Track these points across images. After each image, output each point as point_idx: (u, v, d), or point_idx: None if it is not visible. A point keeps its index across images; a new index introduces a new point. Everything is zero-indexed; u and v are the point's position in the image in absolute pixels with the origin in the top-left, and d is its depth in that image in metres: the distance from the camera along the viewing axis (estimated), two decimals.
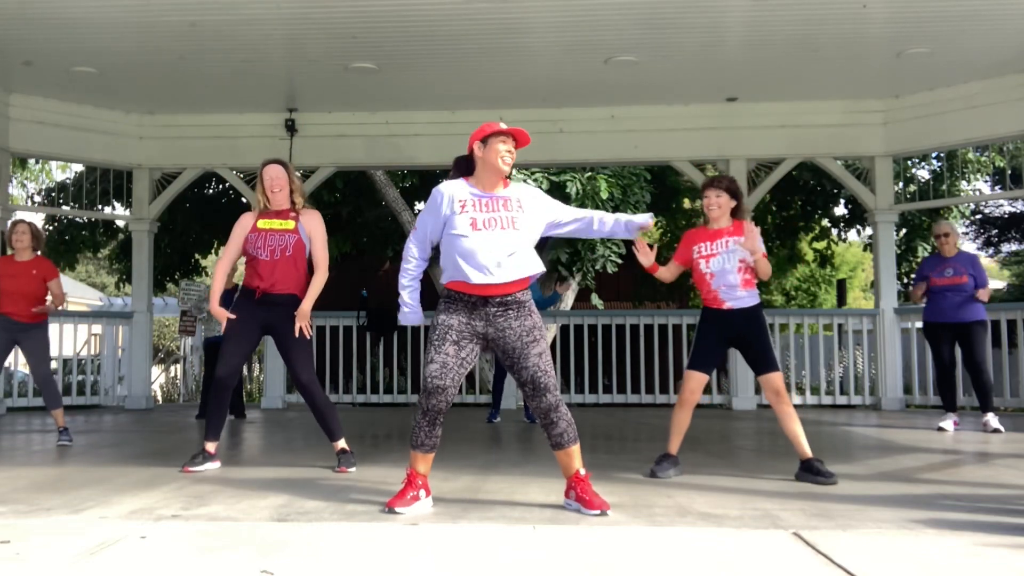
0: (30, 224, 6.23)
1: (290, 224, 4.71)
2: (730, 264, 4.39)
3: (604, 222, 3.80)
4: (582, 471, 3.49)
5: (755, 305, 4.45)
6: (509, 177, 3.68)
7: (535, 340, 3.49)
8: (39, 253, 6.27)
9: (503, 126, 3.57)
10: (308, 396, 4.73)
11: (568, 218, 3.75)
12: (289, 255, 4.67)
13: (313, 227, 4.78)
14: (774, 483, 4.17)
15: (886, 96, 9.03)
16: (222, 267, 4.91)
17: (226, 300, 8.24)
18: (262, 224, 4.72)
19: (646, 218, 3.82)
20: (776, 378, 4.38)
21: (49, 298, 6.19)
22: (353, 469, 4.57)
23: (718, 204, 4.45)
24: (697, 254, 4.47)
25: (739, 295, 4.41)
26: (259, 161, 4.92)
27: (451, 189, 3.57)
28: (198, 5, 6.62)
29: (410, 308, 3.70)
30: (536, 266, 3.56)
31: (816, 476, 4.18)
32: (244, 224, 4.79)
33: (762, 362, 4.41)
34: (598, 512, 3.34)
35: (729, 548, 2.86)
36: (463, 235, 3.46)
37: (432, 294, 12.87)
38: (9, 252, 6.24)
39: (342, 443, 4.73)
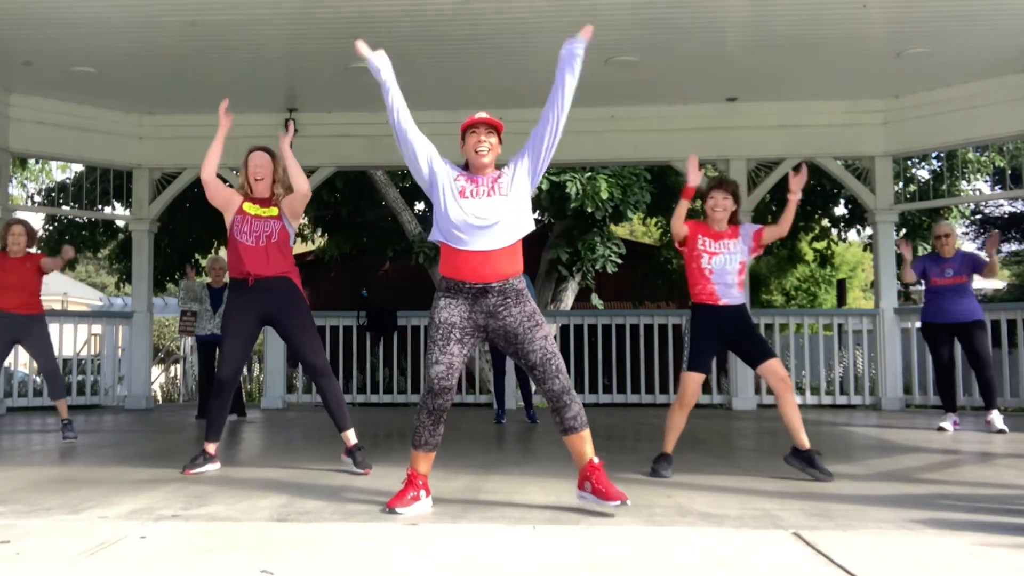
0: (25, 225, 6.24)
1: (274, 211, 4.66)
2: (731, 266, 4.48)
3: (558, 86, 3.69)
4: (595, 459, 3.47)
5: (744, 303, 4.58)
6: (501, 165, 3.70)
7: (537, 324, 3.51)
8: (31, 250, 6.30)
9: (481, 115, 3.60)
10: (322, 380, 4.63)
11: (537, 136, 3.63)
12: (274, 242, 4.61)
13: (290, 199, 4.70)
14: (774, 483, 4.17)
15: (886, 96, 9.03)
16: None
17: (217, 297, 8.30)
18: (248, 208, 4.65)
19: (584, 34, 3.69)
20: (779, 363, 4.45)
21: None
22: (371, 469, 4.50)
23: (724, 207, 4.51)
24: (701, 246, 4.49)
25: (733, 294, 4.50)
26: None
27: (449, 165, 3.67)
28: (198, 5, 6.62)
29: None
30: (524, 226, 3.55)
31: (810, 467, 4.23)
32: (234, 196, 4.71)
33: (760, 352, 4.46)
34: (617, 503, 3.31)
35: (729, 548, 2.86)
36: (452, 203, 3.51)
37: (432, 295, 12.88)
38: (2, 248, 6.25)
39: (352, 435, 4.62)
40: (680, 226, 4.48)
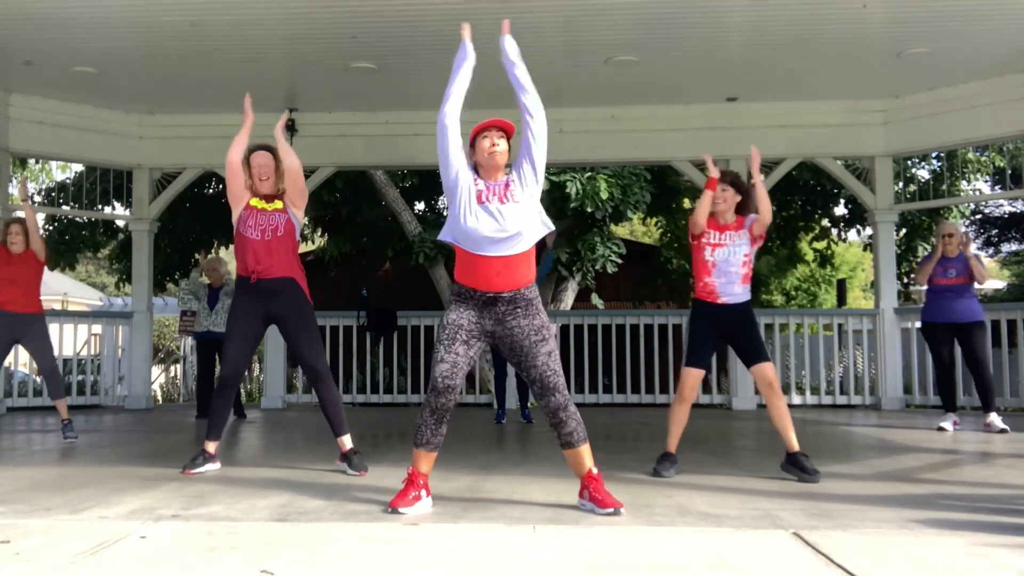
0: (22, 223, 6.24)
1: (279, 204, 4.69)
2: (734, 257, 4.46)
3: (517, 77, 4.04)
4: (594, 470, 3.52)
5: (747, 301, 4.54)
6: (508, 167, 3.72)
7: (543, 339, 3.53)
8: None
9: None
10: (321, 384, 4.63)
11: (526, 138, 3.72)
12: (281, 235, 4.63)
13: (288, 183, 4.71)
14: (774, 483, 4.17)
15: (886, 96, 9.03)
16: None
17: (214, 297, 8.31)
18: (254, 202, 4.69)
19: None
20: (769, 368, 4.43)
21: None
22: (367, 471, 4.47)
23: (724, 198, 4.51)
24: (706, 239, 4.51)
25: (735, 291, 4.48)
26: None
27: (471, 169, 3.69)
28: (198, 5, 6.61)
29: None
30: (538, 231, 3.57)
31: (802, 471, 4.25)
32: (246, 193, 4.69)
33: (754, 353, 4.46)
34: (611, 511, 3.36)
35: (729, 548, 2.86)
36: (470, 210, 3.52)
37: (432, 295, 12.86)
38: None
39: (348, 440, 4.61)
40: (703, 218, 4.48)
